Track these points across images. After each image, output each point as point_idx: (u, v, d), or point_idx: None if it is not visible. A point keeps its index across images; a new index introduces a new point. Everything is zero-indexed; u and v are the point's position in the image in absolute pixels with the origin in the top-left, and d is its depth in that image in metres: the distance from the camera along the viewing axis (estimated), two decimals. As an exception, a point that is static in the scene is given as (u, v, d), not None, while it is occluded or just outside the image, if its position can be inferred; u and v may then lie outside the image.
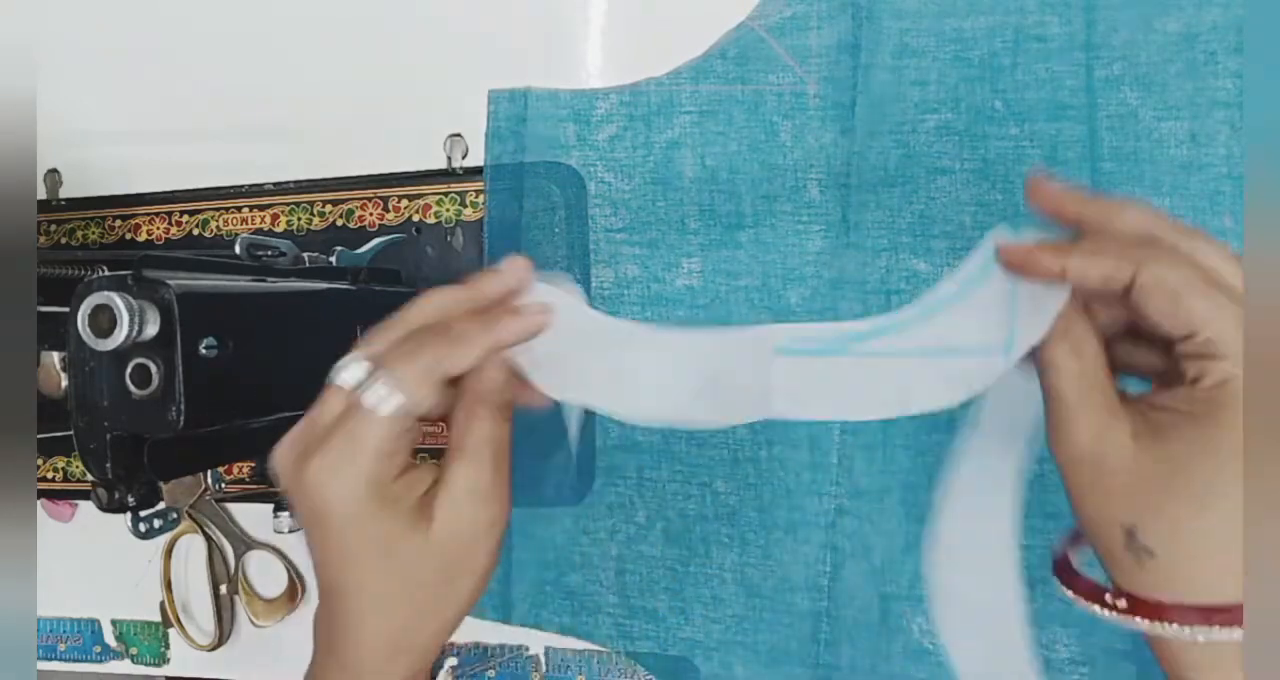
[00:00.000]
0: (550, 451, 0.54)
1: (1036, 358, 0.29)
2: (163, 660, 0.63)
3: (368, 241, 0.54)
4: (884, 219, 0.49)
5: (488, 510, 0.32)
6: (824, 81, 0.50)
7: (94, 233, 0.62)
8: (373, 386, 0.30)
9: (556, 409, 0.41)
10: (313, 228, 0.58)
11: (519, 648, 0.56)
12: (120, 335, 0.33)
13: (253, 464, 0.47)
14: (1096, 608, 0.28)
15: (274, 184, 0.59)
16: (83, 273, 0.45)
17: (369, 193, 0.57)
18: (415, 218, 0.56)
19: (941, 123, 0.48)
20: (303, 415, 0.32)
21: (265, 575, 0.61)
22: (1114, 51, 0.46)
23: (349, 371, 0.31)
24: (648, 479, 0.52)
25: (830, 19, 0.49)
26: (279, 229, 0.58)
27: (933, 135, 0.48)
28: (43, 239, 0.63)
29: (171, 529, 0.47)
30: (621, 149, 0.53)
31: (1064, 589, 0.29)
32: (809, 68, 0.50)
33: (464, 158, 0.55)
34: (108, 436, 0.35)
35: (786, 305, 0.50)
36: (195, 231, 0.60)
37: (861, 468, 0.49)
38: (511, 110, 0.54)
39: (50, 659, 0.65)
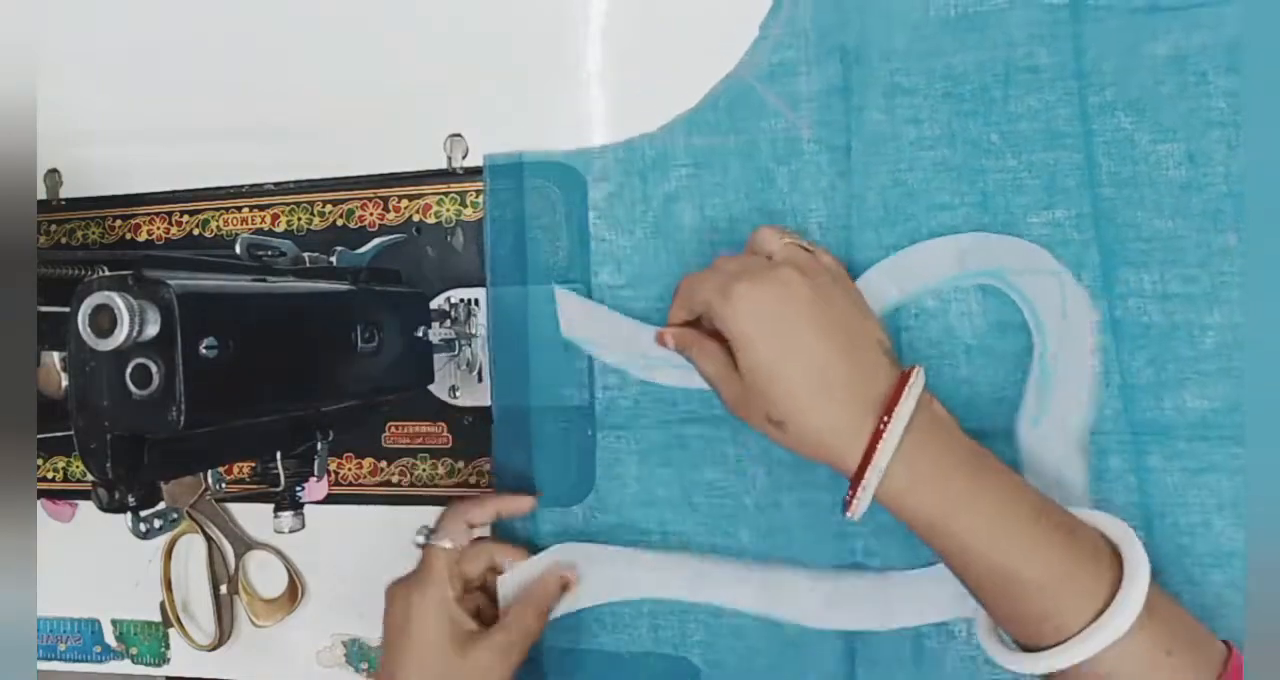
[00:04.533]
0: (552, 454, 0.54)
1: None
2: (163, 660, 0.63)
3: (368, 241, 0.54)
4: (887, 258, 0.49)
5: (501, 668, 0.48)
6: (817, 126, 0.50)
7: (94, 233, 0.62)
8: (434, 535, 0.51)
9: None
10: (313, 228, 0.58)
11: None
12: (120, 335, 0.33)
13: (253, 464, 0.47)
14: None
15: (274, 184, 0.59)
16: (83, 273, 0.45)
17: (369, 193, 0.57)
18: (415, 218, 0.56)
19: (938, 159, 0.48)
20: (302, 415, 0.32)
21: (265, 575, 0.61)
22: (1105, 78, 0.46)
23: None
24: (672, 533, 0.52)
25: (819, 64, 0.50)
26: (279, 229, 0.58)
27: (930, 172, 0.48)
28: (43, 239, 0.63)
29: (171, 529, 0.47)
30: (620, 205, 0.53)
31: None
32: (801, 113, 0.50)
33: (464, 158, 0.55)
34: (108, 436, 0.35)
35: None
36: (195, 231, 0.60)
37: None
38: (509, 178, 0.54)
39: (50, 659, 0.65)
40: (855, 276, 0.49)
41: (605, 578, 0.52)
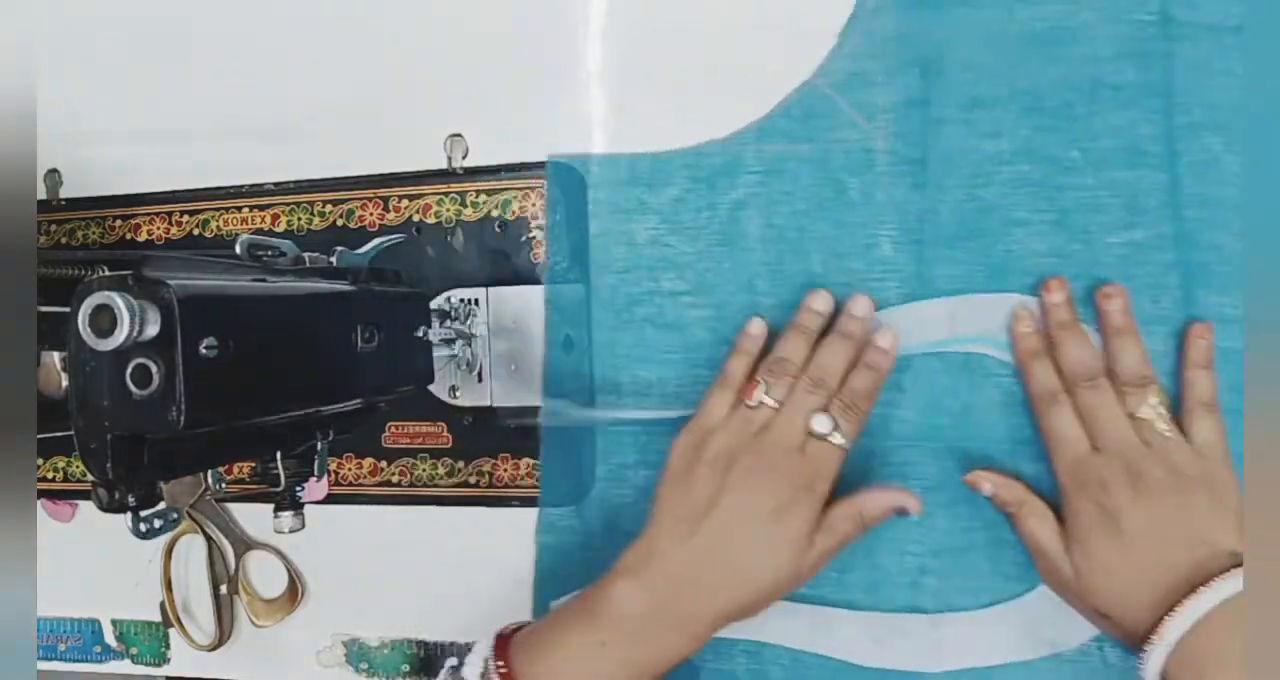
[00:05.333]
0: (555, 455, 0.54)
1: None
2: (163, 660, 0.63)
3: (368, 241, 0.54)
4: (960, 274, 0.48)
5: (800, 560, 0.44)
6: (893, 137, 0.49)
7: (94, 233, 0.62)
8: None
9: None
10: (313, 228, 0.58)
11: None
12: (120, 335, 0.33)
13: (253, 464, 0.47)
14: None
15: (274, 184, 0.59)
16: (83, 273, 0.45)
17: (369, 193, 0.57)
18: (415, 218, 0.56)
19: (1016, 174, 0.47)
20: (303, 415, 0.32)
21: (265, 575, 0.61)
22: (1193, 97, 0.45)
23: None
24: None
25: (897, 74, 0.49)
26: (279, 229, 0.58)
27: (1007, 187, 0.47)
28: (43, 239, 0.63)
29: (171, 529, 0.47)
30: (685, 212, 0.52)
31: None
32: (877, 124, 0.49)
33: (464, 158, 0.55)
34: (108, 436, 0.35)
35: None
36: (195, 231, 0.60)
37: (944, 525, 0.49)
38: (571, 176, 0.53)
39: (50, 659, 0.65)
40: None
41: None
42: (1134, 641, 0.42)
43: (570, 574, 0.53)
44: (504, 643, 0.45)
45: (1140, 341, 0.45)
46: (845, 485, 0.46)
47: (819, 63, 0.50)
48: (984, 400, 0.48)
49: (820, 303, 0.48)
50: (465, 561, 0.56)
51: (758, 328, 0.49)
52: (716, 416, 0.46)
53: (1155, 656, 0.40)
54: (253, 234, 0.57)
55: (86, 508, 0.64)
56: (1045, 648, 0.47)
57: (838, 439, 0.44)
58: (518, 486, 0.55)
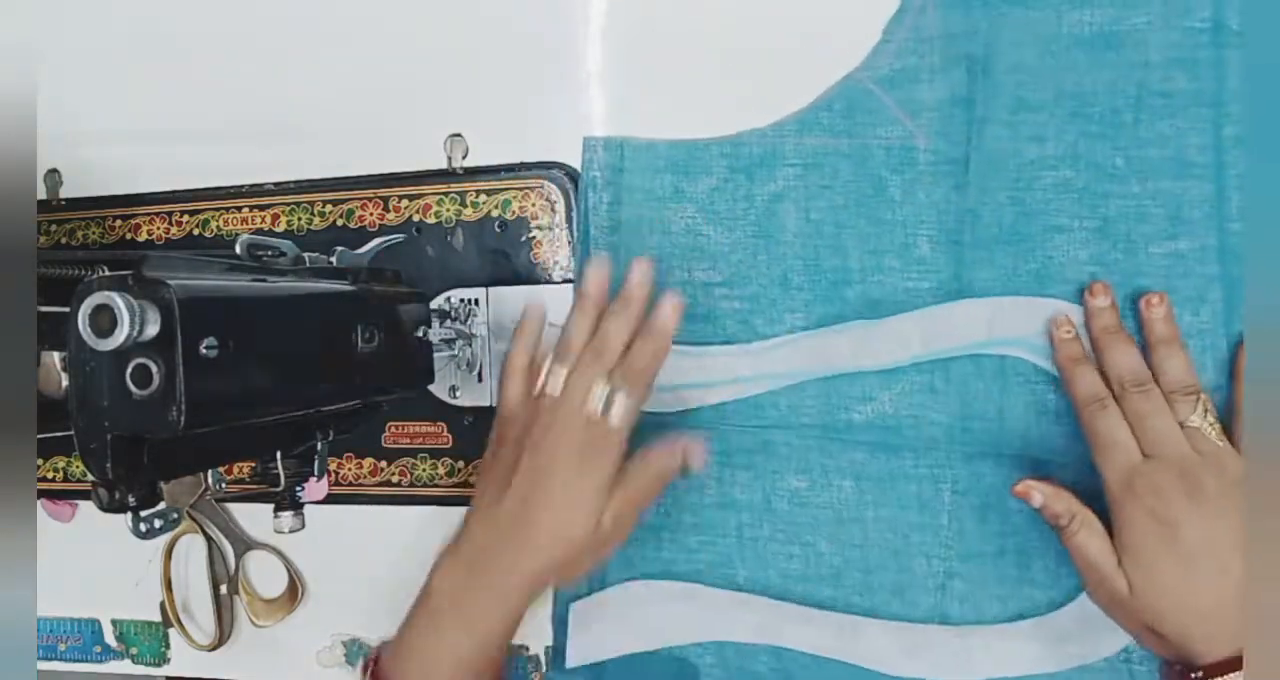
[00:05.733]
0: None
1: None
2: (163, 660, 0.63)
3: (368, 241, 0.54)
4: (998, 278, 0.48)
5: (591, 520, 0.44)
6: (935, 136, 0.48)
7: (94, 233, 0.62)
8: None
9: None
10: (313, 228, 0.58)
11: (519, 648, 0.56)
12: (120, 335, 0.33)
13: (253, 464, 0.47)
14: None
15: (274, 184, 0.59)
16: (83, 273, 0.45)
17: (369, 193, 0.57)
18: (415, 218, 0.56)
19: (1060, 180, 0.47)
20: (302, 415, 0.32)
21: (265, 575, 0.61)
22: (1243, 108, 0.44)
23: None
24: (748, 538, 0.51)
25: (943, 72, 0.48)
26: (279, 229, 0.58)
27: (1050, 192, 0.47)
28: (43, 239, 0.63)
29: (171, 529, 0.47)
30: (722, 201, 0.51)
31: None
32: (920, 122, 0.48)
33: (464, 158, 0.55)
34: (108, 436, 0.35)
35: (896, 364, 0.49)
36: (195, 231, 0.60)
37: (973, 529, 0.48)
38: (608, 160, 0.53)
39: (50, 659, 0.65)
40: (881, 304, 0.49)
41: (674, 617, 0.52)
42: (1188, 658, 0.40)
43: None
44: (377, 653, 0.48)
45: (1185, 350, 0.44)
46: (871, 487, 0.47)
47: (863, 57, 0.49)
48: (1018, 405, 0.48)
49: (597, 274, 0.47)
50: (465, 561, 0.56)
51: (535, 312, 0.48)
52: (514, 404, 0.47)
53: None
54: (253, 234, 0.57)
55: (86, 508, 0.64)
56: (1073, 660, 0.47)
57: (616, 410, 0.44)
58: (518, 486, 0.55)
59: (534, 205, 0.54)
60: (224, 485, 0.56)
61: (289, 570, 0.60)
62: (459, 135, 0.55)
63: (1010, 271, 0.47)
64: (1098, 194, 0.46)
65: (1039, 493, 0.44)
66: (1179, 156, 0.45)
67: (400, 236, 0.55)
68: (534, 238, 0.54)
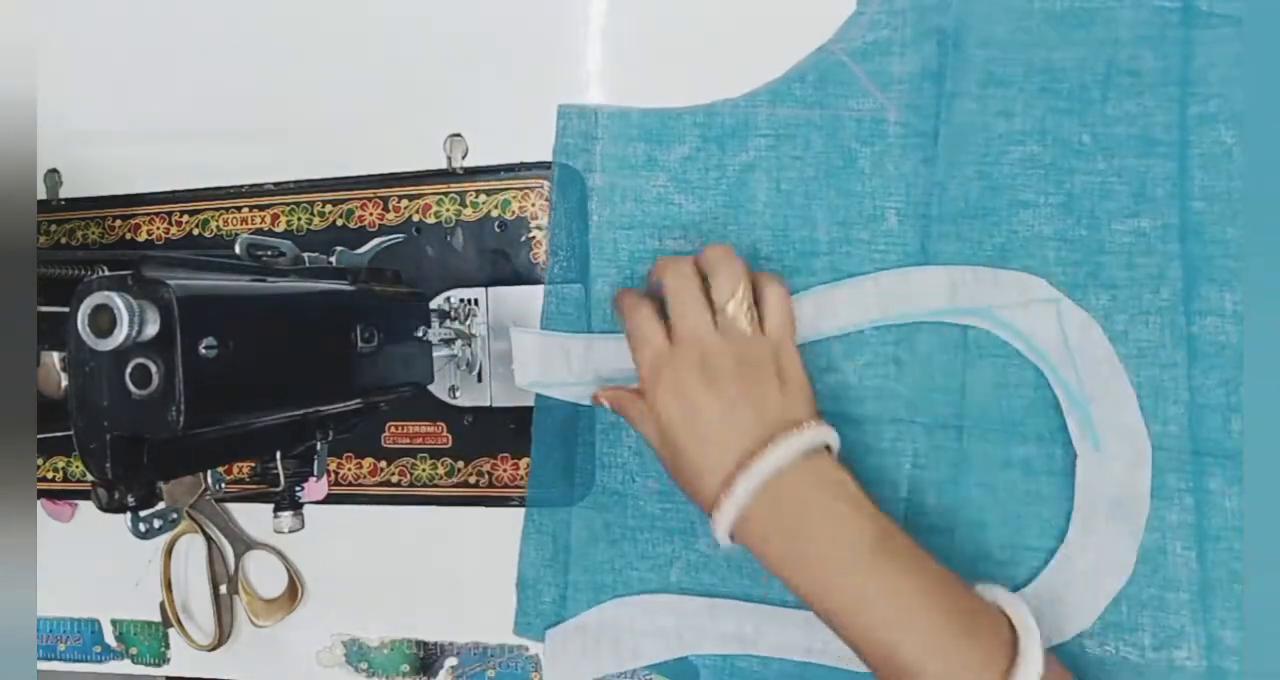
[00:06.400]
0: (552, 454, 0.54)
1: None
2: (163, 660, 0.63)
3: (368, 241, 0.54)
4: (964, 251, 0.48)
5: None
6: (905, 109, 0.49)
7: (94, 233, 0.62)
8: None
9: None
10: (313, 228, 0.58)
11: (519, 648, 0.56)
12: (120, 335, 0.33)
13: (253, 464, 0.47)
14: None
15: (274, 184, 0.59)
16: (83, 273, 0.45)
17: (369, 193, 0.57)
18: (415, 218, 0.56)
19: (1026, 155, 0.47)
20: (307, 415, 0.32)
21: (265, 575, 0.61)
22: (1210, 88, 0.45)
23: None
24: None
25: (914, 45, 0.48)
26: (279, 229, 0.58)
27: (1017, 167, 0.47)
28: (43, 239, 0.63)
29: (171, 529, 0.47)
30: (694, 171, 0.51)
31: None
32: (890, 94, 0.49)
33: (464, 158, 0.55)
34: (108, 436, 0.35)
35: (860, 334, 0.49)
36: (195, 231, 0.60)
37: (932, 503, 0.48)
38: (581, 127, 0.53)
39: (50, 659, 0.65)
40: (849, 275, 0.49)
41: (651, 633, 0.52)
42: (701, 506, 0.44)
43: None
44: None
45: (733, 253, 0.46)
46: (842, 458, 0.47)
47: (836, 28, 0.50)
48: (981, 378, 0.48)
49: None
50: (465, 561, 0.56)
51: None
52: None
53: (726, 512, 0.42)
54: (252, 234, 0.57)
55: (86, 508, 0.64)
56: None
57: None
58: (518, 486, 0.55)
59: (534, 205, 0.54)
60: (224, 485, 0.56)
61: (289, 570, 0.60)
62: (459, 135, 0.55)
63: (975, 245, 0.48)
64: (1064, 170, 0.47)
65: (605, 398, 0.48)
66: (1144, 134, 0.46)
67: (400, 236, 0.55)
68: (534, 238, 0.54)
